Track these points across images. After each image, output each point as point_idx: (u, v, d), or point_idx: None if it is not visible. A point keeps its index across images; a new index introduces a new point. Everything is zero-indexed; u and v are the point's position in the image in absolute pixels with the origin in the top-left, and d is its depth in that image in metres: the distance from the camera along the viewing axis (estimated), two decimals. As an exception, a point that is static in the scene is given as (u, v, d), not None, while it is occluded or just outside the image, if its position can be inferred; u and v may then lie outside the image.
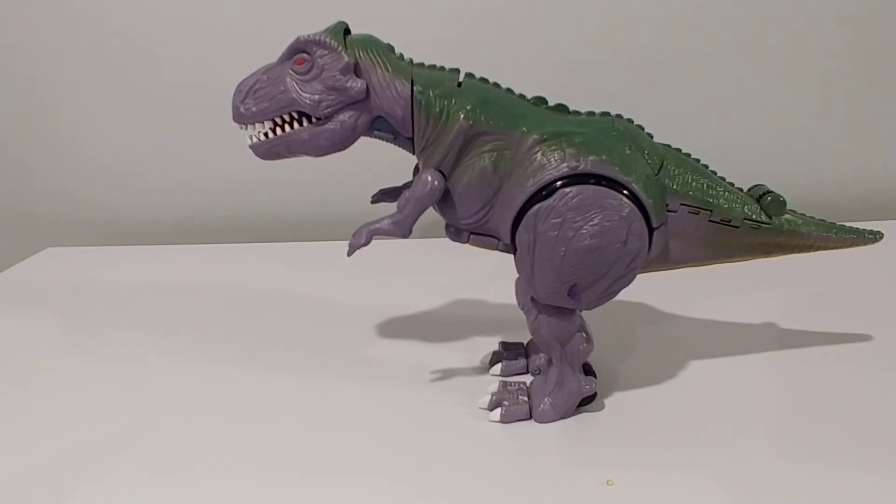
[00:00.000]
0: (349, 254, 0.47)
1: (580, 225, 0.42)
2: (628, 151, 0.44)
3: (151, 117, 0.92)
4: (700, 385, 0.51)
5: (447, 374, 0.55)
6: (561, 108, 0.46)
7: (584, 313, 0.49)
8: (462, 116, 0.44)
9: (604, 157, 0.43)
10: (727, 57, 0.83)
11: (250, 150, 0.48)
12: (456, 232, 0.48)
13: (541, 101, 0.47)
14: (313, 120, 0.46)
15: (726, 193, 0.47)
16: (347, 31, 0.47)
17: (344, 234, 0.52)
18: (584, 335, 0.47)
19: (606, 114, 0.47)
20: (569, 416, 0.48)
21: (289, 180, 0.91)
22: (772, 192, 0.48)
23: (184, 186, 0.95)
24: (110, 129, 0.93)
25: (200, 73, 0.88)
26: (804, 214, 0.49)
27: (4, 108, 0.94)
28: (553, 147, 0.44)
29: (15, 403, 0.55)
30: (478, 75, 0.47)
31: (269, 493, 0.43)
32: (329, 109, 0.46)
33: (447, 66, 0.48)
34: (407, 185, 0.49)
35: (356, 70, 0.46)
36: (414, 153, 0.48)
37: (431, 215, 0.47)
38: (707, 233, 0.47)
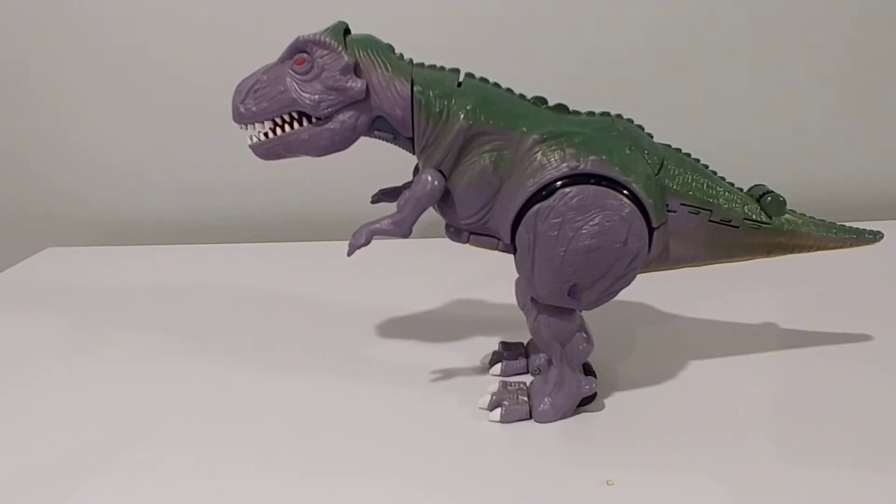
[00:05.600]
0: (349, 254, 0.47)
1: (580, 225, 0.42)
2: (628, 151, 0.44)
3: (151, 117, 0.92)
4: (700, 385, 0.51)
5: (447, 374, 0.55)
6: (561, 108, 0.46)
7: (584, 313, 0.49)
8: (462, 116, 0.44)
9: (604, 157, 0.43)
10: (727, 57, 0.83)
11: (250, 150, 0.48)
12: (456, 232, 0.48)
13: (541, 101, 0.47)
14: (313, 120, 0.46)
15: (726, 193, 0.47)
16: (347, 31, 0.47)
17: (344, 234, 0.52)
18: (584, 335, 0.47)
19: (606, 114, 0.47)
20: (569, 416, 0.48)
21: (289, 180, 0.91)
22: (772, 192, 0.48)
23: (184, 186, 0.95)
24: (110, 129, 0.93)
25: (200, 73, 0.88)
26: (804, 214, 0.49)
27: (5, 108, 0.94)
28: (553, 147, 0.44)
29: (15, 403, 0.55)
30: (478, 75, 0.47)
31: (269, 493, 0.43)
32: (329, 109, 0.46)
33: (447, 66, 0.48)
34: (407, 185, 0.49)
35: (356, 70, 0.46)
36: (414, 153, 0.48)
37: (431, 215, 0.47)
38: (707, 233, 0.47)
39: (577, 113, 0.47)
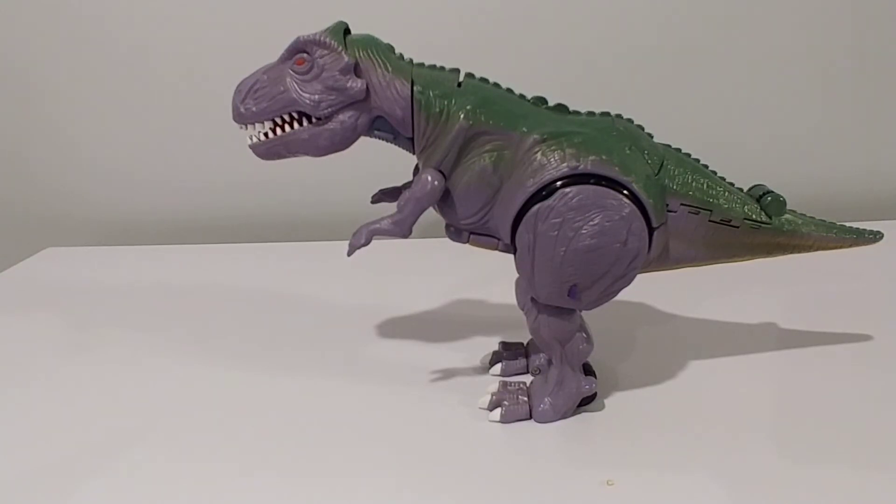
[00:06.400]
0: (349, 254, 0.47)
1: (580, 225, 0.42)
2: (628, 151, 0.44)
3: (151, 117, 0.92)
4: (700, 385, 0.51)
5: (447, 374, 0.55)
6: (561, 108, 0.46)
7: (584, 313, 0.49)
8: (462, 116, 0.44)
9: (604, 157, 0.43)
10: (727, 57, 0.83)
11: (250, 150, 0.48)
12: (456, 232, 0.48)
13: (541, 101, 0.47)
14: (313, 120, 0.46)
15: (726, 193, 0.47)
16: (347, 31, 0.47)
17: (344, 234, 0.52)
18: (584, 335, 0.47)
19: (606, 114, 0.47)
20: (569, 416, 0.48)
21: (289, 180, 0.91)
22: (772, 192, 0.48)
23: (184, 186, 0.95)
24: (110, 129, 0.93)
25: (200, 73, 0.88)
26: (804, 214, 0.49)
27: (4, 108, 0.94)
28: (553, 147, 0.44)
29: (15, 403, 0.55)
30: (478, 75, 0.47)
31: (269, 493, 0.43)
32: (329, 109, 0.46)
33: (447, 66, 0.48)
34: (407, 185, 0.49)
35: (356, 70, 0.46)
36: (414, 153, 0.48)
37: (431, 215, 0.47)
38: (707, 233, 0.47)
39: (577, 113, 0.47)
